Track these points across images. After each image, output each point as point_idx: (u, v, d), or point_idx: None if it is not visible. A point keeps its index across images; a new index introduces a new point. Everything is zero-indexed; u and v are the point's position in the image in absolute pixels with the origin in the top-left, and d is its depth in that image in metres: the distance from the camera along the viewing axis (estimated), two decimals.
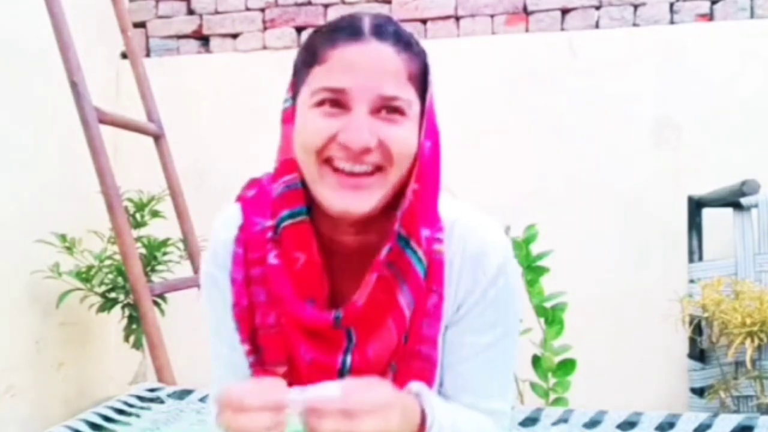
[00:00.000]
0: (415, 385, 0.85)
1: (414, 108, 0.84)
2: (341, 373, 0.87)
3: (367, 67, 0.80)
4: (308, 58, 0.84)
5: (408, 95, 0.83)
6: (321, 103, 0.82)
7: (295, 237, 0.87)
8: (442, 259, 0.87)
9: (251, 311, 0.89)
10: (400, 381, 0.86)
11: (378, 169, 0.82)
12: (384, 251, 0.85)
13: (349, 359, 0.87)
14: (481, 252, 0.88)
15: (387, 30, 0.83)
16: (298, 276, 0.87)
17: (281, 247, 0.88)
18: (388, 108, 0.82)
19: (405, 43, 0.84)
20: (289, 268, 0.87)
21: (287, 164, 0.87)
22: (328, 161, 0.82)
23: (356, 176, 0.81)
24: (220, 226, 0.95)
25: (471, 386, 0.91)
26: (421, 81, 0.85)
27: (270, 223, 0.88)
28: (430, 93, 0.86)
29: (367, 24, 0.83)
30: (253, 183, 0.95)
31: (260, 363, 0.90)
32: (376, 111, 0.81)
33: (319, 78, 0.82)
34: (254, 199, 0.92)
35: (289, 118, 0.87)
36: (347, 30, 0.83)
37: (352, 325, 0.87)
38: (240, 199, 0.94)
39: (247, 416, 0.73)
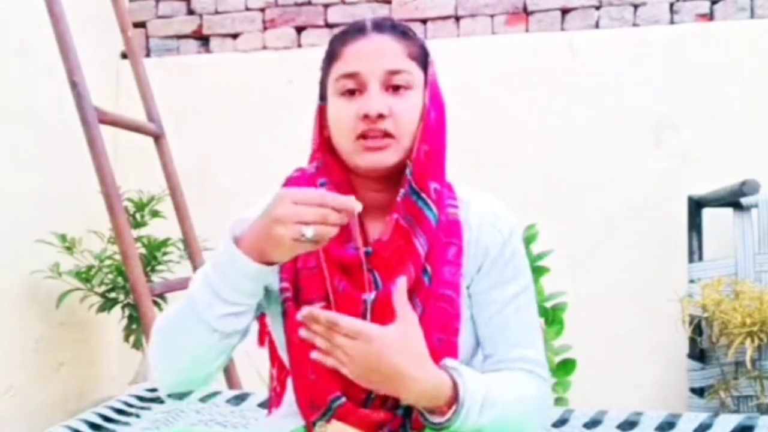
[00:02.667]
0: (450, 361, 0.98)
1: (417, 79, 1.03)
2: (365, 305, 1.01)
3: (372, 52, 1.01)
4: (329, 58, 1.06)
5: (410, 68, 1.02)
6: (343, 92, 1.02)
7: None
8: (458, 219, 1.06)
9: (294, 258, 1.01)
10: (426, 319, 1.00)
11: (391, 136, 1.01)
12: (400, 194, 1.02)
13: (373, 296, 1.00)
14: (495, 216, 1.10)
15: (386, 24, 1.05)
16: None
17: None
18: (395, 86, 1.01)
19: (402, 33, 1.05)
20: None
21: (319, 148, 1.08)
22: (358, 138, 1.01)
23: (377, 138, 1.00)
24: (267, 198, 1.07)
25: (507, 337, 1.06)
26: (421, 59, 1.05)
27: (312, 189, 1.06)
28: (431, 69, 1.06)
29: (369, 22, 1.05)
30: (299, 169, 1.13)
31: (296, 300, 1.04)
32: (386, 87, 1.01)
33: (338, 69, 1.03)
34: (299, 177, 1.11)
35: (320, 113, 1.08)
36: (354, 30, 1.05)
37: (377, 267, 1.02)
38: (287, 181, 1.12)
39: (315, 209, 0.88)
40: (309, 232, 0.87)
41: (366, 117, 0.99)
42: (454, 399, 0.94)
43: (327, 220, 0.88)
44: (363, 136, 1.01)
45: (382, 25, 1.04)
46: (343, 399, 1.01)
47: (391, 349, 0.91)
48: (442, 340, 1.02)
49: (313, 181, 1.07)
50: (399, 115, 1.00)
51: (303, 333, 0.93)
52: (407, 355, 0.93)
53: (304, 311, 0.92)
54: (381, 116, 0.99)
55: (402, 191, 1.02)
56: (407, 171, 1.02)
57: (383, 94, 1.01)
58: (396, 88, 1.01)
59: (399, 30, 1.05)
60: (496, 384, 0.99)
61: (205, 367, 1.02)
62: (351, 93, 1.02)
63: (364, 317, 1.00)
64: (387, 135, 1.01)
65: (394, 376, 0.92)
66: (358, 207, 0.90)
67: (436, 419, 0.95)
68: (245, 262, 0.93)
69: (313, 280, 1.03)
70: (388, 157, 1.01)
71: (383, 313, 0.99)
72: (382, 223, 1.05)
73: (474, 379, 0.97)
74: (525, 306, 1.09)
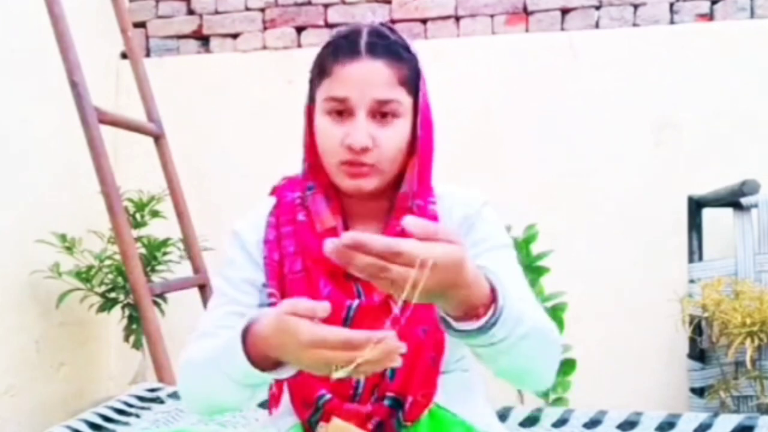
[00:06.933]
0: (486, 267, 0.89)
1: (406, 107, 1.03)
2: (348, 312, 1.02)
3: (362, 79, 1.00)
4: (319, 71, 1.05)
5: (399, 96, 1.02)
6: (331, 111, 1.03)
7: (318, 200, 1.09)
8: (436, 215, 1.09)
9: (281, 263, 1.07)
10: (414, 312, 0.94)
11: (373, 166, 1.03)
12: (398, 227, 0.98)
13: (356, 303, 1.02)
14: (464, 197, 1.13)
15: (379, 46, 1.02)
16: (321, 233, 1.06)
17: (308, 209, 1.09)
18: (382, 112, 1.01)
19: (395, 55, 1.03)
20: (313, 225, 1.08)
21: (309, 150, 1.10)
22: (341, 163, 1.03)
23: (359, 166, 1.02)
24: (257, 207, 1.15)
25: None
26: (412, 83, 1.04)
27: (299, 194, 1.11)
28: (422, 92, 1.05)
29: (363, 42, 1.02)
30: (285, 177, 1.17)
31: None
32: (372, 115, 1.01)
33: (327, 88, 1.03)
34: (285, 185, 1.15)
35: (308, 113, 1.09)
36: (347, 47, 1.02)
37: (360, 279, 0.97)
38: (273, 190, 1.16)
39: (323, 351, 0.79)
40: (341, 373, 0.78)
41: (350, 148, 1.01)
42: (492, 301, 0.84)
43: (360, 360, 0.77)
44: (341, 162, 1.02)
45: (375, 48, 1.02)
46: (329, 396, 1.02)
47: (468, 261, 0.81)
48: (426, 332, 1.01)
49: (301, 185, 1.10)
50: (384, 147, 1.02)
51: (331, 252, 0.76)
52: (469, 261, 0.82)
53: (347, 238, 0.75)
54: (365, 149, 1.01)
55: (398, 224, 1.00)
56: (409, 201, 1.06)
57: (370, 122, 1.01)
58: (383, 116, 1.02)
59: (393, 52, 1.02)
60: (526, 305, 0.93)
61: (237, 403, 1.00)
62: (338, 113, 1.02)
63: (345, 323, 1.01)
64: (371, 166, 1.02)
65: (461, 286, 0.80)
66: (400, 346, 0.78)
67: (467, 326, 0.84)
68: (246, 366, 0.89)
69: (300, 284, 1.05)
70: (370, 184, 1.04)
71: (363, 321, 1.00)
72: (369, 230, 1.05)
73: (510, 289, 0.87)
74: (514, 266, 1.08)
